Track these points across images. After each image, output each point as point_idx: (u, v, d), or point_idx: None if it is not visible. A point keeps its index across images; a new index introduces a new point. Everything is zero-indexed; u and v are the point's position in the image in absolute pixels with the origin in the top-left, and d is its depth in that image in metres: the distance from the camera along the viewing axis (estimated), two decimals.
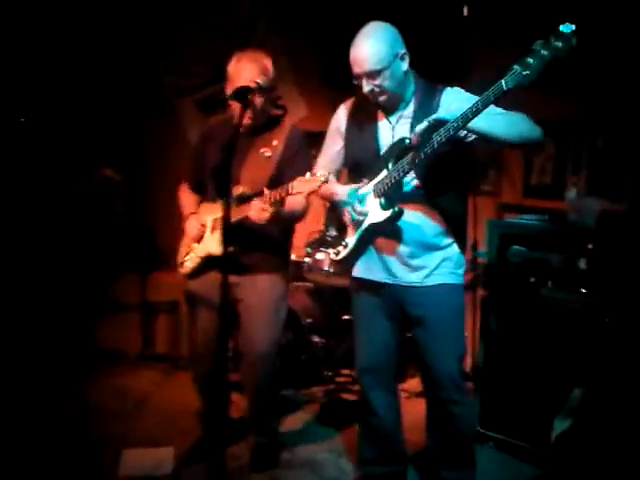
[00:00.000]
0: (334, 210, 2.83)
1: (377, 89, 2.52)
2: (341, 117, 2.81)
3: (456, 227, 2.68)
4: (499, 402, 3.37)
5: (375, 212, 2.61)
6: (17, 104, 3.28)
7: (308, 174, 2.65)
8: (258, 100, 2.91)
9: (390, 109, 2.63)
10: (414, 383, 4.14)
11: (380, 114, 2.67)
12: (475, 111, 2.25)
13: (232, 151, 2.39)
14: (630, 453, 2.73)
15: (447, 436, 2.73)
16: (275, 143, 3.03)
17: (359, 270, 2.78)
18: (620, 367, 2.95)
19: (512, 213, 4.30)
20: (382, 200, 2.59)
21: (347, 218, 2.72)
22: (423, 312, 2.64)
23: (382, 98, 2.56)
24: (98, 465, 3.13)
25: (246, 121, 2.89)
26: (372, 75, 2.49)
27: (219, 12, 5.33)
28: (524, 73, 2.14)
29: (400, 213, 2.56)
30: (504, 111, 2.37)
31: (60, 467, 3.11)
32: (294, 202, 2.88)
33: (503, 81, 2.18)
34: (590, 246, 3.14)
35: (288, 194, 2.72)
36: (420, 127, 2.38)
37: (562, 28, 2.10)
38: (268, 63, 2.97)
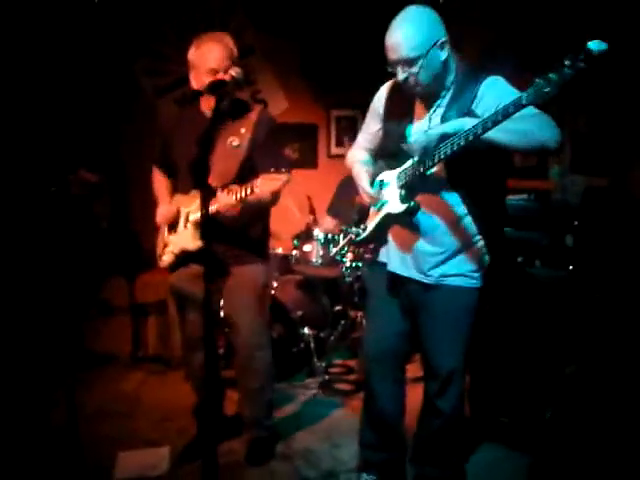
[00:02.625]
0: (358, 193, 2.75)
1: (411, 78, 2.38)
2: (380, 99, 2.70)
3: (484, 225, 2.52)
4: (490, 383, 3.36)
5: (394, 202, 2.54)
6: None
7: (272, 170, 2.60)
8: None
9: (428, 98, 2.49)
10: (412, 368, 4.13)
11: (419, 101, 2.54)
12: (492, 123, 2.12)
13: (209, 145, 2.36)
14: (625, 427, 2.73)
15: (432, 430, 2.71)
16: (243, 131, 2.96)
17: (379, 255, 2.72)
18: (612, 341, 2.95)
19: None
20: (402, 192, 2.51)
21: (366, 202, 2.68)
22: (430, 308, 2.58)
23: (417, 89, 2.42)
24: (94, 468, 3.10)
25: (210, 112, 2.86)
26: (407, 62, 2.34)
27: (191, 9, 5.31)
28: (545, 90, 2.00)
29: (416, 209, 2.48)
30: (525, 114, 2.15)
31: (56, 472, 3.07)
32: (261, 191, 2.76)
33: (524, 95, 2.05)
34: (576, 223, 3.15)
35: (253, 192, 2.67)
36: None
37: (591, 45, 1.92)
38: (230, 42, 2.92)
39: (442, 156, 2.29)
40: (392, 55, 2.37)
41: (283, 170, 2.63)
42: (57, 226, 3.99)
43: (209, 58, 2.84)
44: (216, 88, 2.49)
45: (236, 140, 2.96)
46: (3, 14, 4.48)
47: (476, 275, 2.57)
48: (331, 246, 4.26)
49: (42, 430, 3.48)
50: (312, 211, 4.54)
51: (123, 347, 4.54)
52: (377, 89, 2.76)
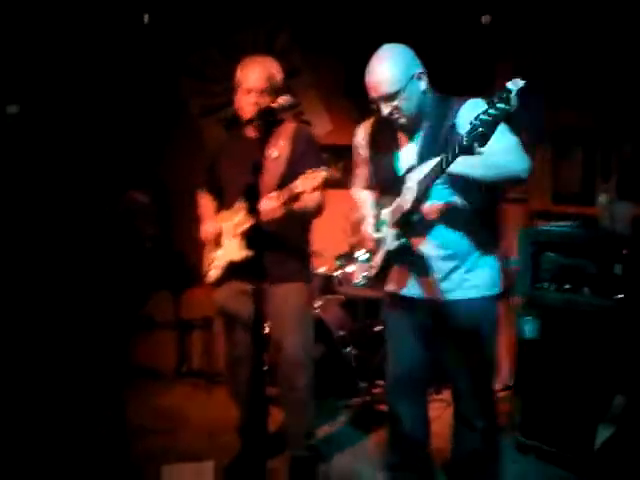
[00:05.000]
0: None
1: (395, 111, 2.50)
2: (360, 141, 2.83)
3: (484, 242, 2.63)
4: (540, 411, 3.35)
5: (390, 240, 2.63)
6: (46, 131, 3.34)
7: (310, 170, 2.68)
8: (263, 101, 2.93)
9: (412, 130, 2.60)
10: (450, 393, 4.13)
11: (402, 134, 2.65)
12: (446, 164, 2.27)
13: (259, 171, 2.43)
14: None
15: (468, 449, 2.74)
16: (282, 143, 3.06)
17: (390, 284, 2.78)
18: None
19: (542, 220, 4.29)
20: (395, 230, 2.60)
21: (370, 246, 2.80)
22: (450, 325, 2.63)
23: (402, 120, 2.53)
24: None
25: (252, 133, 3.03)
26: (389, 98, 2.48)
27: (238, 31, 5.38)
28: (479, 131, 2.11)
29: (407, 246, 2.58)
30: (496, 147, 2.25)
31: None
32: (305, 198, 2.85)
33: (463, 138, 2.16)
34: (625, 251, 3.12)
35: (293, 193, 2.74)
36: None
37: (509, 85, 2.03)
38: (273, 67, 3.07)
39: (418, 196, 2.41)
40: (374, 93, 2.50)
41: (322, 167, 2.70)
42: (105, 243, 4.09)
43: (248, 78, 3.00)
44: (264, 116, 2.58)
45: (275, 151, 3.04)
46: (52, 40, 4.60)
47: (490, 285, 2.66)
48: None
49: (89, 445, 3.55)
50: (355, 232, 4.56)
51: (167, 362, 4.61)
52: None
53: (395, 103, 2.48)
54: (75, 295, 4.50)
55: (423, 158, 2.47)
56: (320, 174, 2.67)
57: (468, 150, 2.17)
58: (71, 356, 4.28)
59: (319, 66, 5.48)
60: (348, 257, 4.43)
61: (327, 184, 2.79)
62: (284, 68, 5.06)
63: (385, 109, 2.50)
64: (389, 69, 2.47)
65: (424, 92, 2.54)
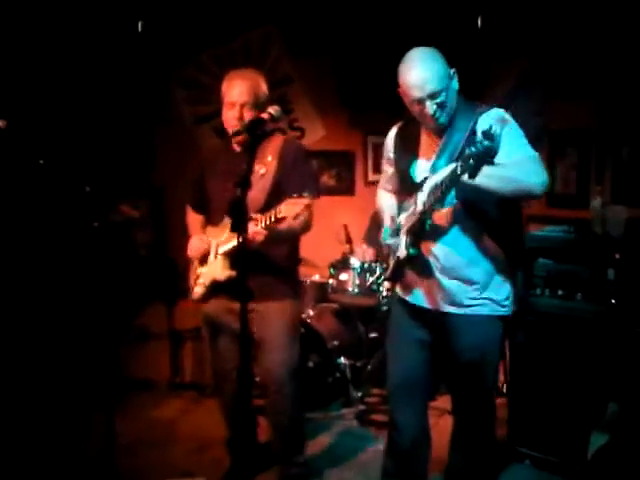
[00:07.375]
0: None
1: (440, 108, 2.47)
2: (389, 142, 2.82)
3: (498, 259, 2.57)
4: (532, 418, 3.30)
5: (401, 248, 2.63)
6: (34, 146, 3.33)
7: (295, 195, 2.65)
8: (247, 115, 2.92)
9: (442, 133, 2.56)
10: (445, 401, 4.07)
11: (424, 140, 2.64)
12: (459, 174, 2.27)
13: (247, 187, 2.38)
14: None
15: (471, 454, 2.72)
16: (269, 159, 3.00)
17: (399, 288, 2.78)
18: None
19: (536, 224, 4.25)
20: (408, 238, 2.59)
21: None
22: (456, 340, 2.61)
23: (443, 119, 2.51)
24: None
25: (239, 146, 2.99)
26: (435, 95, 2.45)
27: (231, 38, 5.37)
28: (470, 163, 2.17)
29: (414, 256, 2.57)
30: (513, 160, 2.35)
31: None
32: (290, 220, 2.80)
33: (458, 166, 2.25)
34: (617, 256, 3.08)
35: (277, 218, 2.70)
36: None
37: (494, 129, 2.13)
38: (258, 80, 3.03)
39: (431, 206, 2.43)
40: (419, 93, 2.46)
41: (305, 194, 2.66)
42: (97, 254, 4.06)
43: (232, 92, 2.97)
44: (253, 127, 2.54)
45: (262, 168, 2.99)
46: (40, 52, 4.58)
47: (501, 304, 2.59)
48: (368, 275, 4.24)
49: (78, 458, 3.51)
50: (349, 239, 4.53)
51: (160, 373, 4.56)
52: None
53: (440, 99, 2.46)
54: (68, 306, 4.47)
55: (443, 164, 2.46)
56: (303, 201, 2.63)
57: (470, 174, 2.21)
58: (63, 366, 4.25)
59: (312, 73, 5.45)
60: (341, 264, 4.39)
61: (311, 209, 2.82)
62: (277, 76, 5.07)
63: (431, 107, 2.46)
64: (434, 67, 2.46)
65: (457, 91, 2.55)
